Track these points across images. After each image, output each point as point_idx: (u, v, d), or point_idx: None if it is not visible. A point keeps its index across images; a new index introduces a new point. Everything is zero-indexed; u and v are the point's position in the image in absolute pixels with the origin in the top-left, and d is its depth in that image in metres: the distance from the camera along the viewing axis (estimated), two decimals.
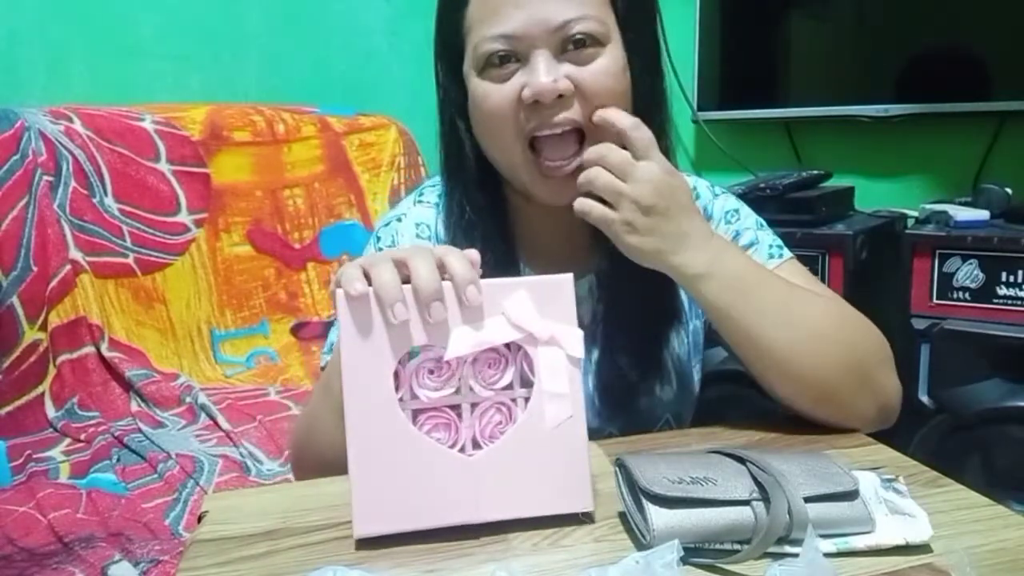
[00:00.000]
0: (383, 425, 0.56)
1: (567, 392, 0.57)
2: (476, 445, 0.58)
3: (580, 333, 0.57)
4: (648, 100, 0.75)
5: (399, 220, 0.83)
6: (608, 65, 0.70)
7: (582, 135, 0.71)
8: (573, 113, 0.70)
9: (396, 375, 0.56)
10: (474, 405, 0.58)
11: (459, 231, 0.77)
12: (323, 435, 0.70)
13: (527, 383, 0.58)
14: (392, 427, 0.56)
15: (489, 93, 0.71)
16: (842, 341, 0.71)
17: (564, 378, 0.57)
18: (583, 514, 0.57)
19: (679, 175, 0.69)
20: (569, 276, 0.57)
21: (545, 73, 0.68)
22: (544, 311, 0.57)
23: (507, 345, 0.57)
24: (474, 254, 0.57)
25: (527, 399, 0.57)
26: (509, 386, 0.58)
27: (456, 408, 0.58)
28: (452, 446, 0.57)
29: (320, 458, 0.71)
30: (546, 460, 0.57)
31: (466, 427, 0.57)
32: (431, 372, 0.57)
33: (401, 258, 0.56)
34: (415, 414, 0.57)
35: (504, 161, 0.74)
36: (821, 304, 0.73)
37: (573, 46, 0.69)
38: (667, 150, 0.77)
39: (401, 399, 0.56)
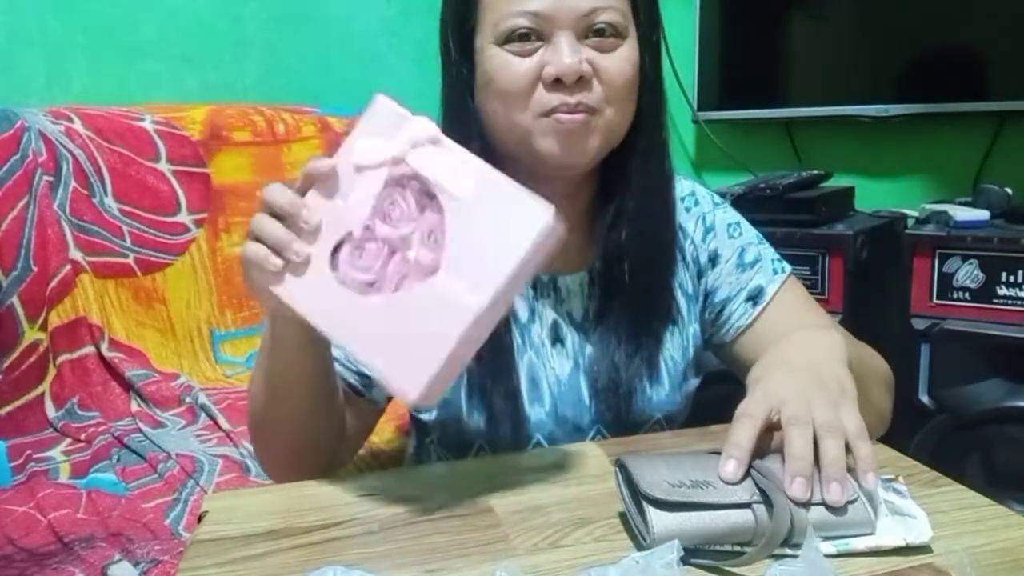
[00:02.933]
0: (331, 298, 0.59)
1: (468, 187, 0.58)
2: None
3: (429, 122, 0.60)
4: (654, 96, 0.77)
5: None
6: (628, 55, 0.73)
7: (592, 112, 0.73)
8: (591, 98, 0.71)
9: (334, 266, 0.60)
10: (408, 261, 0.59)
11: None
12: (256, 393, 0.74)
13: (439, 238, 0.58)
14: (335, 294, 0.59)
15: (509, 64, 0.72)
16: (889, 376, 0.82)
17: (456, 168, 0.58)
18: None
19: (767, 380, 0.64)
20: (382, 96, 0.62)
21: (569, 53, 0.70)
22: (389, 136, 0.60)
23: (399, 185, 0.59)
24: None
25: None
26: (418, 213, 0.59)
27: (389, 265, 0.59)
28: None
29: (259, 416, 0.75)
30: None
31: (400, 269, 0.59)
32: (358, 257, 0.60)
33: (265, 202, 0.62)
34: (361, 290, 0.60)
35: (511, 132, 0.74)
36: (869, 350, 0.81)
37: (594, 34, 0.71)
38: (665, 145, 0.80)
39: (345, 284, 0.60)
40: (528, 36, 0.71)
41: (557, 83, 0.70)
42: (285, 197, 0.60)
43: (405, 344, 0.57)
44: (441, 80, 0.79)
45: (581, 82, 0.71)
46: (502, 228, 0.57)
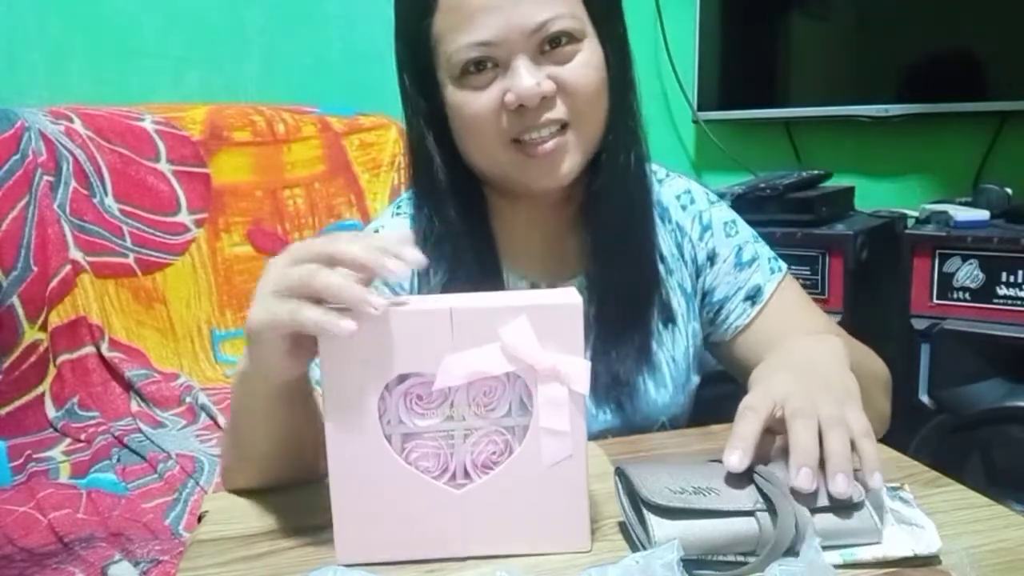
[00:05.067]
0: (366, 452, 0.53)
1: (567, 430, 0.53)
2: (467, 475, 0.54)
3: (586, 365, 0.52)
4: (622, 89, 0.76)
5: (376, 232, 0.82)
6: (588, 59, 0.71)
7: (564, 125, 0.72)
8: (557, 112, 0.71)
9: (382, 398, 0.53)
10: (467, 433, 0.54)
11: (428, 245, 0.76)
12: (248, 414, 0.69)
13: (526, 410, 0.54)
14: (375, 455, 0.53)
15: (468, 101, 0.71)
16: (887, 378, 0.81)
17: (565, 415, 0.53)
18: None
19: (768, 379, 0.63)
20: (578, 301, 0.53)
21: (527, 77, 0.68)
22: (547, 339, 0.52)
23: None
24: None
25: (526, 427, 0.54)
26: (507, 413, 0.54)
27: (448, 435, 0.54)
28: (441, 475, 0.54)
29: (240, 444, 0.69)
30: (540, 498, 0.54)
31: (458, 456, 0.54)
32: (420, 398, 0.53)
33: (328, 253, 0.51)
34: (404, 439, 0.54)
35: (487, 162, 0.74)
36: (866, 350, 0.80)
37: (550, 46, 0.69)
38: (638, 128, 0.78)
39: (389, 422, 0.53)
40: (483, 64, 0.69)
41: (521, 108, 0.69)
42: (363, 247, 0.51)
43: (365, 507, 0.54)
44: (403, 111, 0.78)
45: (545, 101, 0.69)
46: (539, 512, 0.54)
